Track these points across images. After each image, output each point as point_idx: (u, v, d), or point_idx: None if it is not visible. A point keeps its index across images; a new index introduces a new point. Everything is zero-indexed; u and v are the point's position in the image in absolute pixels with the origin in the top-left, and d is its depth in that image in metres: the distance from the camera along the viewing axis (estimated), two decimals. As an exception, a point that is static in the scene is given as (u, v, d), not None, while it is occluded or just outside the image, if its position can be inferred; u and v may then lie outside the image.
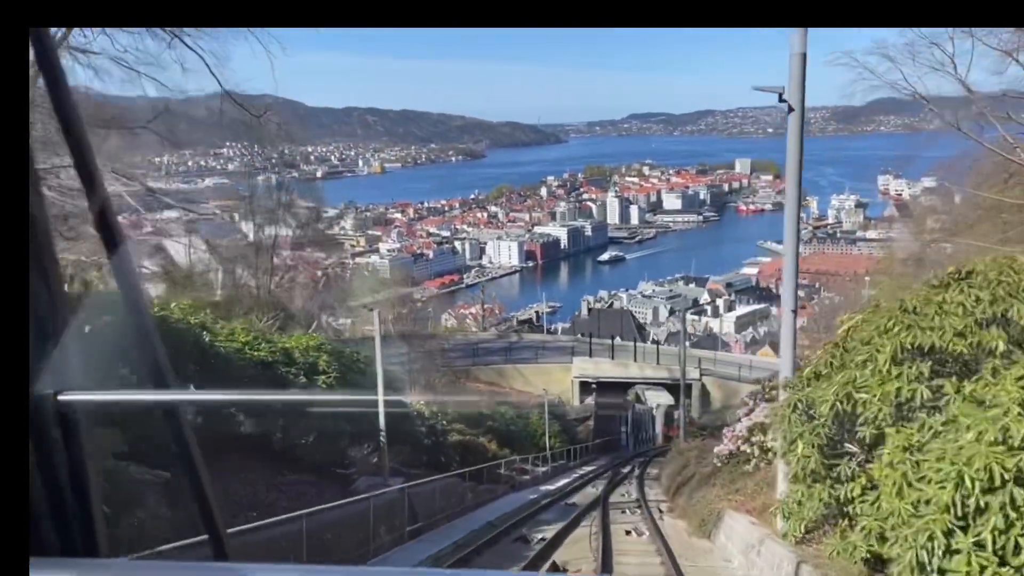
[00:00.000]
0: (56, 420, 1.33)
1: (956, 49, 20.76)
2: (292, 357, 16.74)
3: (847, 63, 21.86)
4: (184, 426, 1.44)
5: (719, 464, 20.25)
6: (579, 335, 56.45)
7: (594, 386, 48.13)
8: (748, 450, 19.31)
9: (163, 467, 8.82)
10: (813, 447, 9.15)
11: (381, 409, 15.64)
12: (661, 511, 21.58)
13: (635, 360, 48.89)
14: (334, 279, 42.01)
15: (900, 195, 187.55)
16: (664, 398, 64.17)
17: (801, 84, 11.88)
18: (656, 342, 57.26)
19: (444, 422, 22.72)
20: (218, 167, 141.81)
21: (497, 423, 31.26)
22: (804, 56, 11.85)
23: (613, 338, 50.48)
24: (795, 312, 13.91)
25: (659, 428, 65.83)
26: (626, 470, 37.37)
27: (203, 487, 1.48)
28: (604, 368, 48.22)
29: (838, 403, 8.45)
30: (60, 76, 1.31)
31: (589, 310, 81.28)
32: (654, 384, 52.24)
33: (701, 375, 46.78)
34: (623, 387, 52.28)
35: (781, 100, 11.97)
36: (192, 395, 1.84)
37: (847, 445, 9.13)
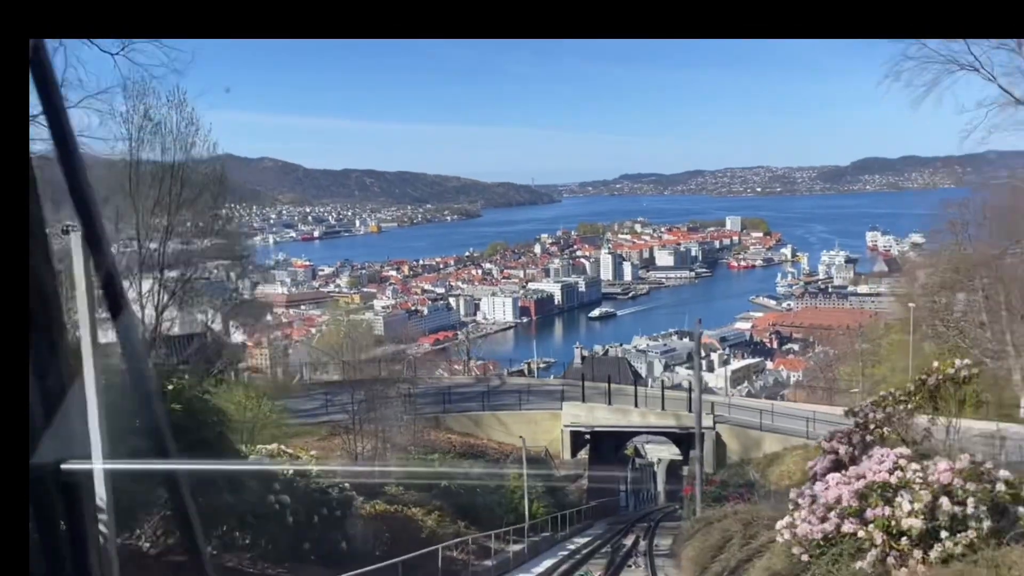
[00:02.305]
0: (58, 490, 1.23)
1: None
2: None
3: None
4: (185, 494, 1.36)
5: (803, 556, 11.06)
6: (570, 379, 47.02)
7: (588, 436, 38.40)
8: (860, 532, 10.31)
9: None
10: None
11: None
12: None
13: (636, 406, 39.20)
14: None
15: (888, 251, 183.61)
16: (666, 451, 54.55)
17: None
18: (661, 384, 47.76)
19: (345, 485, 13.40)
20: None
21: (457, 486, 21.87)
22: None
23: (610, 381, 40.91)
24: None
25: (660, 486, 56.70)
26: (629, 540, 28.92)
27: (201, 557, 1.40)
28: (600, 415, 38.60)
29: None
30: (74, 151, 1.23)
31: (583, 357, 71.47)
32: (655, 434, 42.89)
33: (715, 422, 37.26)
34: (623, 437, 42.75)
35: None
36: (198, 465, 1.75)
37: None
